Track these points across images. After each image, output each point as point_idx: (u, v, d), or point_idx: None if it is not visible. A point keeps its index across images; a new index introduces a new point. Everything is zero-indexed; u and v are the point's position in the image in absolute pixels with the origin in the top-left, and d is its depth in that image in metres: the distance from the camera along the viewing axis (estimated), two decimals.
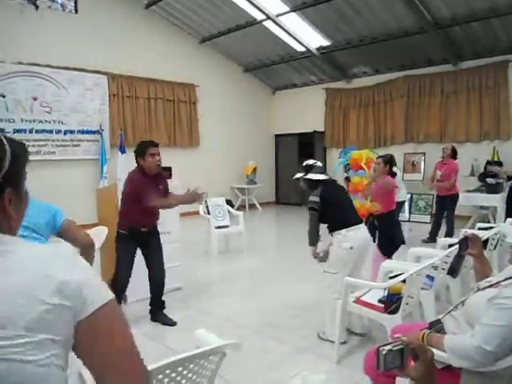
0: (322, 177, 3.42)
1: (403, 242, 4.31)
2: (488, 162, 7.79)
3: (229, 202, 7.39)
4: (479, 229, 4.14)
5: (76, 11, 7.91)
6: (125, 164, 7.53)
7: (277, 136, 12.18)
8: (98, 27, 8.11)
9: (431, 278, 3.13)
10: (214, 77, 10.40)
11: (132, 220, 3.51)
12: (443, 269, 3.08)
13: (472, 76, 8.38)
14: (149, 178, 3.48)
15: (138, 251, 3.65)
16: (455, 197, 6.53)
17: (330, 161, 10.52)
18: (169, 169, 3.89)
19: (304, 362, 3.01)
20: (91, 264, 2.16)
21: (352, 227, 3.27)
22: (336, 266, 3.24)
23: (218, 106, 10.52)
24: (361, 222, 3.42)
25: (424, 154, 9.05)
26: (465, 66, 8.51)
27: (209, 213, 6.22)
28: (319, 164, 3.54)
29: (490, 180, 7.24)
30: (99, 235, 3.59)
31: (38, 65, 7.44)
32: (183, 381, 1.45)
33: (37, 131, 7.50)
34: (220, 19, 8.91)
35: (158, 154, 3.51)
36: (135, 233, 3.53)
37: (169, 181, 3.81)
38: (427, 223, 7.98)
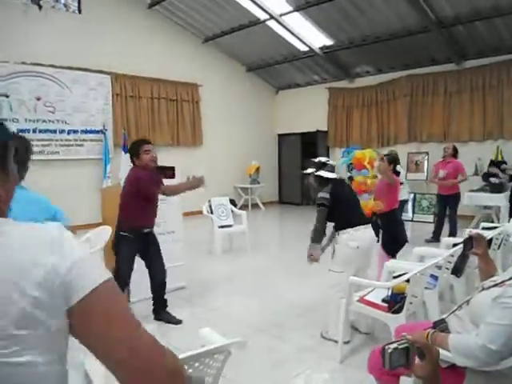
0: (332, 175, 3.44)
1: (406, 241, 4.31)
2: (491, 162, 7.76)
3: (232, 202, 7.39)
4: (483, 228, 4.14)
5: (79, 11, 7.92)
6: (128, 164, 7.48)
7: (280, 135, 12.17)
8: (101, 27, 8.13)
9: (435, 278, 3.13)
10: (217, 76, 10.40)
11: (133, 219, 3.48)
12: (447, 268, 3.08)
13: (475, 75, 8.36)
14: (148, 172, 3.50)
15: None
16: (458, 196, 6.53)
17: (333, 160, 10.47)
18: (172, 168, 3.90)
19: (307, 361, 3.02)
20: None
21: (359, 227, 3.27)
22: (341, 264, 3.24)
23: (221, 105, 10.52)
24: (368, 223, 3.42)
25: (427, 153, 9.02)
26: (468, 66, 8.49)
27: (212, 212, 6.24)
28: (332, 163, 3.56)
29: (493, 179, 7.22)
30: (103, 235, 3.61)
31: (41, 65, 7.46)
32: None
33: (40, 131, 7.53)
34: (223, 19, 8.92)
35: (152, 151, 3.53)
36: (138, 235, 3.53)
37: (172, 181, 3.82)
38: (430, 223, 7.96)
